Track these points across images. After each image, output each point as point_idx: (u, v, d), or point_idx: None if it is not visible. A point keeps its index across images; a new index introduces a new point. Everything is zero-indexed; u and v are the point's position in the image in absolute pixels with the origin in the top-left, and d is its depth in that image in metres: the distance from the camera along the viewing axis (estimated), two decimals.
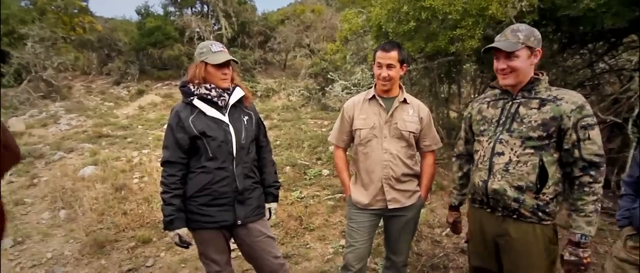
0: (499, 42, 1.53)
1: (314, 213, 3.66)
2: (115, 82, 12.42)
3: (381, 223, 2.06)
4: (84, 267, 3.00)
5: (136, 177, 4.75)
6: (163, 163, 1.78)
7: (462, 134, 1.84)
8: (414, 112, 1.90)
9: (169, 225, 1.74)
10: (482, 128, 1.67)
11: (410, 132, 1.87)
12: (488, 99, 1.70)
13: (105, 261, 3.06)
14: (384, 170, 1.86)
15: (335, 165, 2.15)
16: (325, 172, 4.71)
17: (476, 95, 5.21)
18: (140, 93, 11.08)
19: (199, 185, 1.75)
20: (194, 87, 1.78)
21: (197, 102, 1.77)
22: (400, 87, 1.94)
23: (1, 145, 0.51)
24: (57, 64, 10.79)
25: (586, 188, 1.44)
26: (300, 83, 10.97)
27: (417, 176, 1.99)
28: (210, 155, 1.75)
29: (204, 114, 1.76)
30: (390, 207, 1.90)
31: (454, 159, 1.91)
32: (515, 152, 1.53)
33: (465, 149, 1.84)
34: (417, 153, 2.01)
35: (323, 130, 6.66)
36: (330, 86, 7.14)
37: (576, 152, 1.45)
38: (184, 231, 1.78)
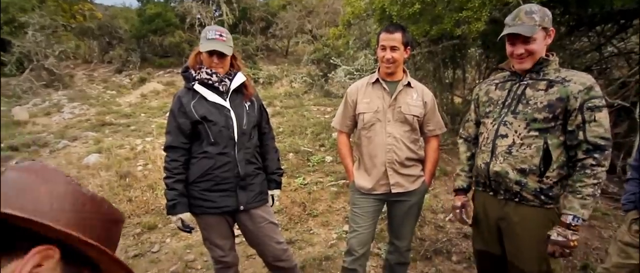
0: (517, 26, 1.45)
1: (318, 200, 3.68)
2: (117, 70, 12.39)
3: (385, 208, 2.06)
4: None
5: (140, 165, 4.78)
6: (166, 149, 1.79)
7: (472, 115, 1.78)
8: (418, 96, 1.87)
9: (171, 209, 1.75)
10: (487, 110, 1.63)
11: (414, 115, 1.84)
12: (496, 81, 1.66)
13: None
14: (387, 154, 1.85)
15: (338, 150, 2.14)
16: (329, 158, 4.71)
17: (481, 80, 5.15)
18: (142, 81, 11.06)
19: (201, 171, 1.75)
20: (195, 73, 1.77)
21: (198, 87, 1.76)
22: (404, 71, 1.90)
23: (110, 220, 0.54)
24: (59, 52, 10.76)
25: (588, 171, 1.40)
26: (303, 69, 10.89)
27: (421, 161, 1.97)
28: (212, 140, 1.74)
29: (205, 99, 1.76)
30: (393, 191, 1.89)
31: (461, 141, 1.84)
32: (520, 134, 1.49)
33: (474, 132, 1.78)
34: (421, 138, 1.99)
35: (326, 116, 6.63)
36: (333, 72, 7.08)
37: (581, 134, 1.40)
38: (186, 216, 1.79)
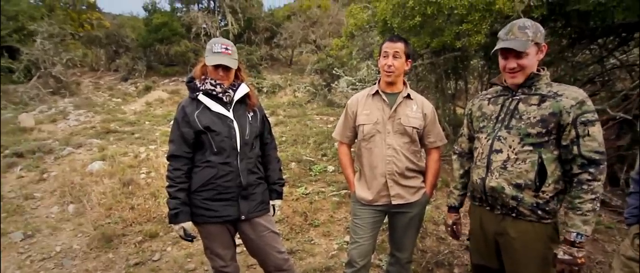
0: (510, 41, 1.47)
1: (319, 210, 3.67)
2: (122, 78, 12.56)
3: (386, 219, 2.06)
4: (92, 260, 3.05)
5: (143, 173, 4.81)
6: (169, 157, 1.81)
7: (465, 131, 1.80)
8: (417, 108, 1.89)
9: (173, 218, 1.77)
10: (481, 125, 1.64)
11: (413, 128, 1.85)
12: (489, 96, 1.67)
13: (113, 255, 3.11)
14: (387, 166, 1.86)
15: (339, 161, 2.15)
16: (331, 168, 4.71)
17: (483, 90, 5.15)
18: (148, 89, 11.19)
19: (203, 180, 1.77)
20: (199, 83, 1.80)
21: (202, 97, 1.79)
22: (404, 83, 1.92)
23: None
24: (66, 60, 10.94)
25: (585, 186, 1.40)
26: (306, 79, 10.97)
27: (422, 172, 1.97)
28: (215, 150, 1.76)
29: (209, 109, 1.78)
30: (394, 203, 1.89)
31: (455, 157, 1.86)
32: (514, 149, 1.50)
33: (468, 147, 1.79)
34: (422, 149, 2.00)
35: (329, 126, 6.65)
36: (335, 82, 7.13)
37: (575, 148, 1.41)
38: (188, 225, 1.80)
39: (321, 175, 4.55)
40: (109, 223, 3.59)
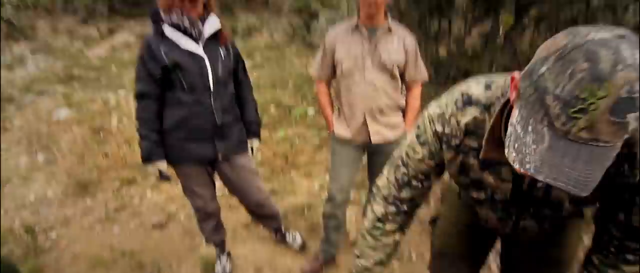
0: (578, 160, 0.59)
1: (300, 152, 3.69)
2: (82, 20, 11.52)
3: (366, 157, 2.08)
4: (69, 206, 3.01)
5: (114, 119, 4.61)
6: (137, 97, 1.70)
7: (406, 177, 1.02)
8: (399, 42, 1.81)
9: (147, 158, 1.71)
10: (475, 195, 1.01)
11: (394, 63, 1.79)
12: (475, 146, 0.89)
13: (91, 201, 3.06)
14: (366, 103, 1.82)
15: (318, 100, 2.09)
16: (311, 111, 4.66)
17: (467, 31, 5.06)
18: (111, 32, 10.37)
19: (175, 119, 1.69)
20: (164, 15, 1.63)
21: (168, 31, 1.63)
22: (385, 15, 1.82)
23: None
24: (17, 1, 9.84)
25: (629, 257, 0.90)
26: (283, 20, 10.42)
27: (402, 109, 1.96)
28: (185, 88, 1.66)
29: (177, 45, 1.64)
30: (373, 140, 1.89)
31: (380, 200, 1.08)
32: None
33: (416, 194, 1.05)
34: (403, 86, 1.96)
35: (308, 68, 6.48)
36: (315, 21, 6.81)
37: (621, 215, 0.88)
38: (163, 164, 1.75)
39: (301, 119, 4.50)
40: (83, 171, 3.50)
